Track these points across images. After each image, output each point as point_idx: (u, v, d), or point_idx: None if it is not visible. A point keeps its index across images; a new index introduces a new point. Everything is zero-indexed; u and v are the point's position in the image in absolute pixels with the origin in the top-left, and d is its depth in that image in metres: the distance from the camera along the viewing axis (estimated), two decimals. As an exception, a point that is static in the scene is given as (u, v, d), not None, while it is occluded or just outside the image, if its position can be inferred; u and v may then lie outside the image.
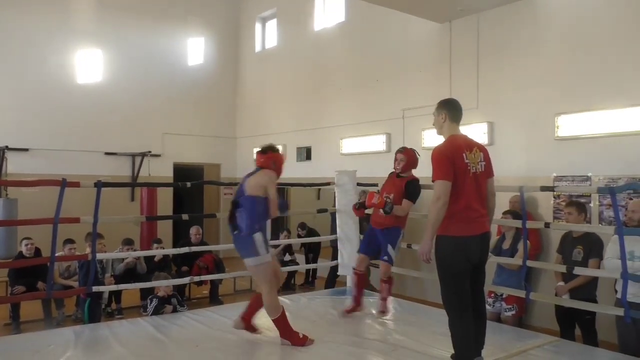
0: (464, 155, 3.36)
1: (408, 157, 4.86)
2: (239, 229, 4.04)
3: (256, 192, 4.04)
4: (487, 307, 4.95)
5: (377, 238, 4.94)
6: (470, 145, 3.47)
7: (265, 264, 4.04)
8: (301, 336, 4.07)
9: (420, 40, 8.23)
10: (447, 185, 3.28)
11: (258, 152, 4.29)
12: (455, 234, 3.33)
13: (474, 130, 7.07)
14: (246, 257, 4.04)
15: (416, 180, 4.88)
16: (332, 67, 10.04)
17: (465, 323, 3.33)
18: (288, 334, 4.06)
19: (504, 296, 4.91)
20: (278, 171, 4.22)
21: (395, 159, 4.93)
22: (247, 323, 4.28)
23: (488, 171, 3.53)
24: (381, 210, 4.71)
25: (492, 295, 5.03)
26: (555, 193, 6.29)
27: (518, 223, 4.80)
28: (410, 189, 4.81)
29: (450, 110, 3.55)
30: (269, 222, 4.41)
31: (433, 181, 3.34)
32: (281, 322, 4.07)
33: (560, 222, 6.00)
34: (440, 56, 7.81)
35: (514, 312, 4.81)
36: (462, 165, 3.34)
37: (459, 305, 3.34)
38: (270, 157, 4.19)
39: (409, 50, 8.43)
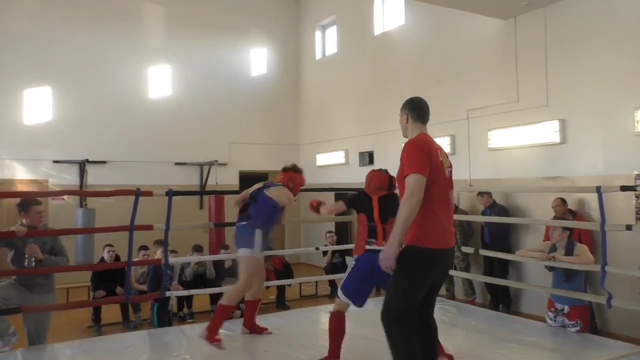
0: (438, 152, 3.13)
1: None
2: (248, 218, 4.24)
3: (278, 200, 4.31)
4: (549, 321, 4.65)
5: None
6: (440, 147, 3.24)
7: (253, 258, 4.22)
8: (217, 337, 4.11)
9: (483, 38, 8.00)
10: (423, 180, 2.90)
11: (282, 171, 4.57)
12: (432, 245, 2.94)
13: (544, 129, 6.79)
14: (240, 247, 4.23)
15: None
16: (393, 71, 9.95)
17: (410, 334, 2.97)
18: (213, 326, 4.12)
19: (565, 311, 4.56)
20: (294, 190, 4.47)
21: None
22: (251, 327, 4.52)
23: (451, 181, 3.23)
24: None
25: (553, 309, 4.63)
26: (637, 192, 5.89)
27: (596, 225, 4.52)
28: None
29: (411, 110, 3.34)
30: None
31: (404, 176, 2.96)
32: (222, 312, 4.18)
33: (643, 224, 5.60)
34: (505, 54, 7.54)
35: (578, 327, 4.45)
36: (438, 163, 3.06)
37: (408, 317, 2.96)
38: (288, 176, 4.48)
39: (472, 49, 8.21)
